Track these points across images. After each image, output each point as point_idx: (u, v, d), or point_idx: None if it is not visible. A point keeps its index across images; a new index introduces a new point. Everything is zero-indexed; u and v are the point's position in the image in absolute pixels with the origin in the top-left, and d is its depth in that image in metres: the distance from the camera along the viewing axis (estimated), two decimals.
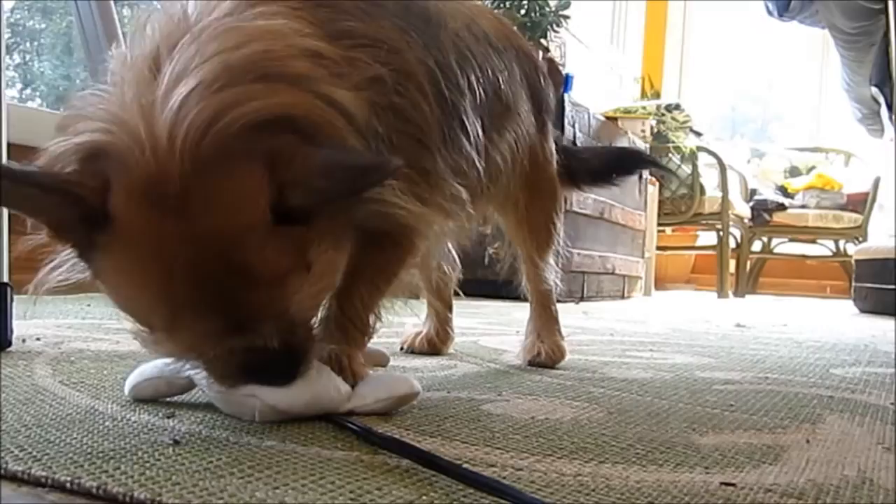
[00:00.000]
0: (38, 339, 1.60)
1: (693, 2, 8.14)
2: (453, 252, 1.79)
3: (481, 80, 1.35)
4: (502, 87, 1.46)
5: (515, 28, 1.76)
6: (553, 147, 1.74)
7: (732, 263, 6.69)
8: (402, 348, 1.81)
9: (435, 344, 1.80)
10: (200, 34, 0.94)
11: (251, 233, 0.87)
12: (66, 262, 0.99)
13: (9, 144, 1.53)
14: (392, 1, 1.20)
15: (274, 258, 0.89)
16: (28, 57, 3.88)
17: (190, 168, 0.85)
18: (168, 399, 1.11)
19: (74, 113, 0.95)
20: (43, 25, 3.94)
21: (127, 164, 0.86)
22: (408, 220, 1.14)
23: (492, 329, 2.40)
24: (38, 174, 0.89)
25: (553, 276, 1.76)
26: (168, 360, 1.11)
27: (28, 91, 3.77)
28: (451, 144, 1.25)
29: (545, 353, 1.67)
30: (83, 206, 0.87)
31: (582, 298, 4.40)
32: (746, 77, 8.86)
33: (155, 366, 1.11)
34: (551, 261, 1.75)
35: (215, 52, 0.91)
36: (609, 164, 1.96)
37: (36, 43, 3.93)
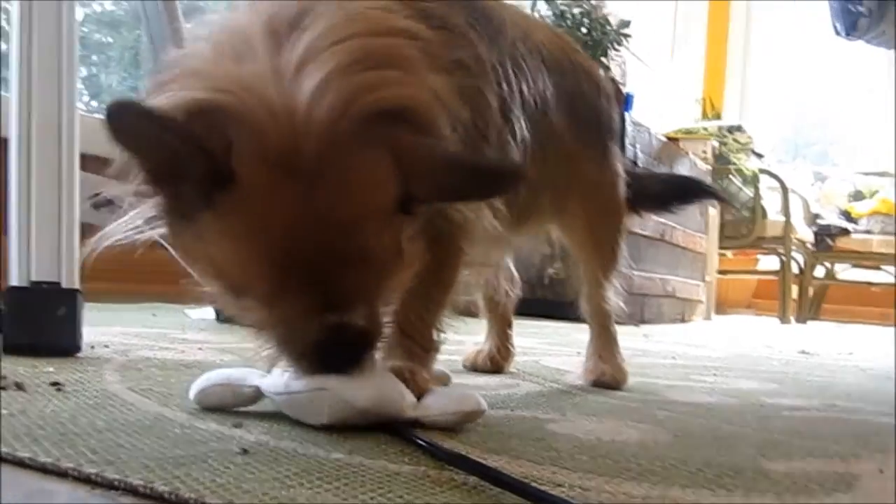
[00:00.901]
0: (106, 346, 1.63)
1: (756, 22, 8.05)
2: (513, 269, 1.78)
3: (531, 93, 1.35)
4: (550, 102, 1.44)
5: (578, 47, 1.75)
6: (619, 168, 1.72)
7: (795, 289, 6.57)
8: (464, 366, 1.80)
9: (497, 361, 1.79)
10: (327, 15, 0.95)
11: (375, 218, 0.91)
12: (131, 222, 1.02)
13: (82, 155, 1.57)
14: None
15: (386, 245, 0.92)
16: (95, 70, 3.97)
17: (325, 146, 0.88)
18: (234, 410, 1.12)
19: (173, 71, 0.96)
20: (110, 39, 4.03)
21: (257, 130, 0.87)
22: (459, 218, 1.13)
23: (553, 349, 2.39)
24: (177, 122, 0.88)
25: (615, 297, 1.74)
26: (235, 370, 1.13)
27: (94, 103, 3.85)
28: (504, 144, 1.24)
29: (609, 375, 1.65)
30: (211, 162, 0.87)
31: (641, 321, 4.35)
32: (810, 99, 8.73)
33: (221, 373, 1.12)
34: (614, 282, 1.73)
35: (350, 35, 0.93)
36: (671, 192, 1.94)
37: (103, 56, 4.02)
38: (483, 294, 1.77)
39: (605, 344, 1.72)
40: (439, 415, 1.07)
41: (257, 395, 1.10)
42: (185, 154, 0.88)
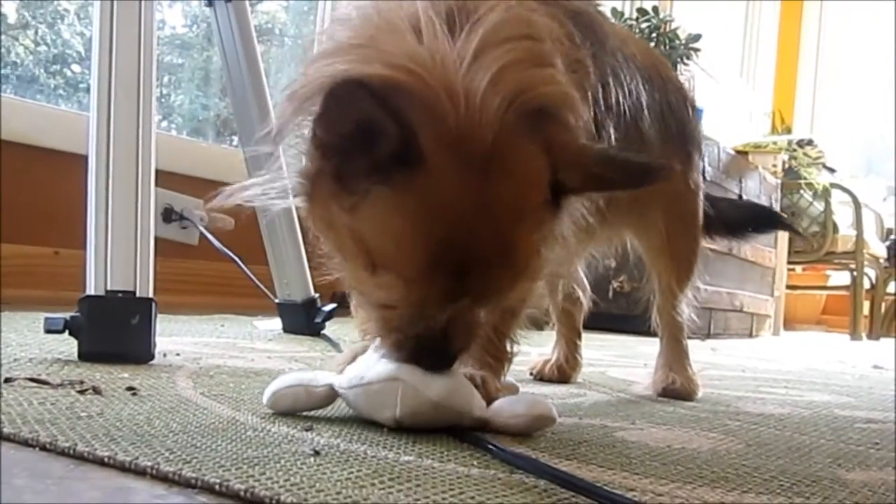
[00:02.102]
0: (177, 354, 1.66)
1: (827, 35, 7.92)
2: (584, 279, 1.77)
3: (625, 103, 1.35)
4: (644, 112, 1.45)
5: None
6: (699, 179, 1.71)
7: (866, 305, 6.42)
8: (531, 374, 1.79)
9: (564, 371, 1.78)
10: (497, 12, 0.98)
11: (535, 211, 0.94)
12: (266, 188, 1.07)
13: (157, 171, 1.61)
14: (565, 6, 1.20)
15: (534, 243, 0.95)
16: (166, 90, 4.06)
17: (498, 136, 0.91)
18: (304, 413, 1.13)
19: (334, 42, 1.01)
20: (181, 60, 4.11)
21: (438, 113, 0.90)
22: None
23: (619, 361, 2.37)
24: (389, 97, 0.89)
25: (688, 309, 1.72)
26: (305, 373, 1.14)
27: (165, 123, 3.93)
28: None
29: (680, 384, 1.63)
30: (403, 140, 0.89)
31: (708, 335, 4.29)
32: (883, 112, 8.54)
33: (293, 376, 1.14)
34: (689, 293, 1.71)
35: (519, 35, 0.97)
36: (745, 219, 1.94)
37: (173, 77, 4.10)
38: (554, 303, 1.77)
39: (676, 355, 1.70)
40: (510, 417, 1.07)
41: (330, 394, 1.11)
42: (382, 129, 0.89)
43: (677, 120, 1.62)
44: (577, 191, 0.98)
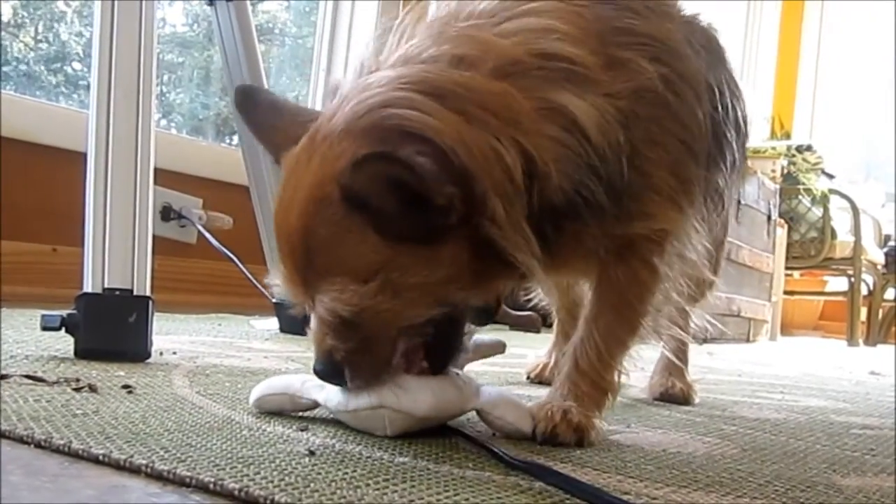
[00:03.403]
0: (174, 352, 1.65)
1: (827, 41, 7.92)
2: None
3: (738, 122, 1.32)
4: (742, 130, 1.40)
5: None
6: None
7: (864, 311, 6.42)
8: (528, 378, 1.76)
9: None
10: (439, 33, 1.04)
11: (323, 204, 0.95)
12: None
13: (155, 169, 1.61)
14: (679, 16, 1.20)
15: (330, 242, 0.96)
16: (166, 89, 4.06)
17: (334, 133, 0.97)
18: (301, 413, 1.13)
19: None
20: (181, 59, 4.11)
21: (319, 119, 1.03)
22: (660, 224, 1.12)
23: None
24: (267, 110, 1.13)
25: (697, 317, 1.66)
26: (295, 378, 1.15)
27: (164, 122, 3.93)
28: (712, 166, 1.22)
29: (679, 389, 1.62)
30: (273, 147, 1.10)
31: (705, 340, 4.29)
32: (882, 118, 8.55)
33: (282, 381, 1.15)
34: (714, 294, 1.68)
35: (430, 52, 1.01)
36: None
37: (173, 75, 4.10)
38: (562, 309, 1.73)
39: (677, 361, 1.67)
40: (497, 417, 1.07)
41: (314, 406, 1.11)
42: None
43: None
44: (353, 189, 0.94)
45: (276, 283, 1.06)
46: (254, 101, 1.16)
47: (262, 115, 1.13)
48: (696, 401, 1.64)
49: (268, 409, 1.13)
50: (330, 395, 1.07)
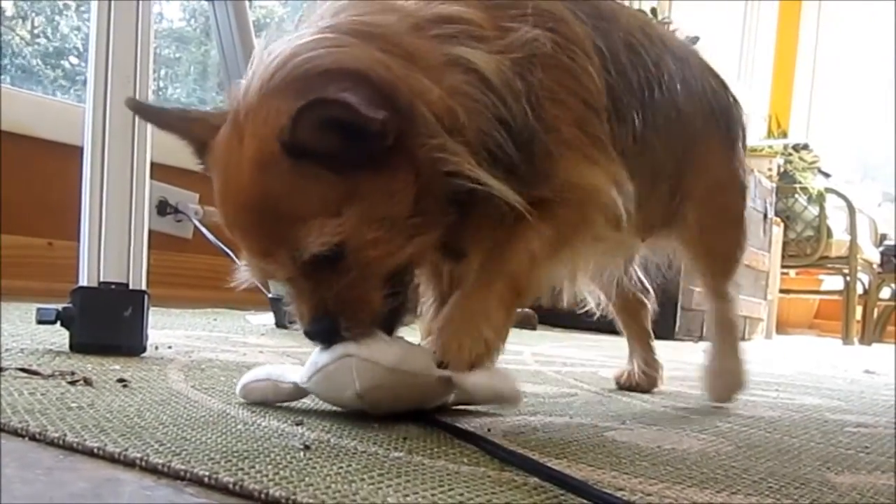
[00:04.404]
0: (169, 347, 1.65)
1: (824, 40, 7.93)
2: (644, 279, 1.73)
3: (651, 79, 1.33)
4: (677, 86, 1.41)
5: None
6: (742, 171, 1.65)
7: (859, 310, 6.43)
8: (618, 384, 1.73)
9: (651, 377, 1.72)
10: (338, 5, 1.07)
11: (270, 165, 0.97)
12: None
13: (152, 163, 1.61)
14: None
15: (290, 194, 0.98)
16: (163, 83, 4.05)
17: (253, 102, 0.99)
18: (296, 407, 1.13)
19: None
20: (179, 54, 4.11)
21: (237, 96, 1.04)
22: (576, 178, 1.13)
23: (610, 362, 2.37)
24: (173, 115, 1.14)
25: (738, 310, 1.65)
26: (275, 367, 1.16)
27: None
28: (615, 120, 1.22)
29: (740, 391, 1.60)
30: (194, 141, 1.10)
31: (701, 338, 4.30)
32: (879, 118, 8.56)
33: (263, 370, 1.16)
34: (736, 292, 1.66)
35: (330, 17, 1.05)
36: None
37: (170, 70, 4.10)
38: (616, 308, 1.73)
39: (731, 359, 1.65)
40: (472, 385, 1.06)
41: (296, 390, 1.12)
42: (181, 135, 1.13)
43: (719, 103, 1.57)
44: (292, 144, 0.96)
45: (244, 265, 1.08)
46: (152, 107, 1.23)
47: (172, 114, 1.15)
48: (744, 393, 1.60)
49: (253, 398, 1.14)
50: (304, 370, 1.09)
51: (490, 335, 1.09)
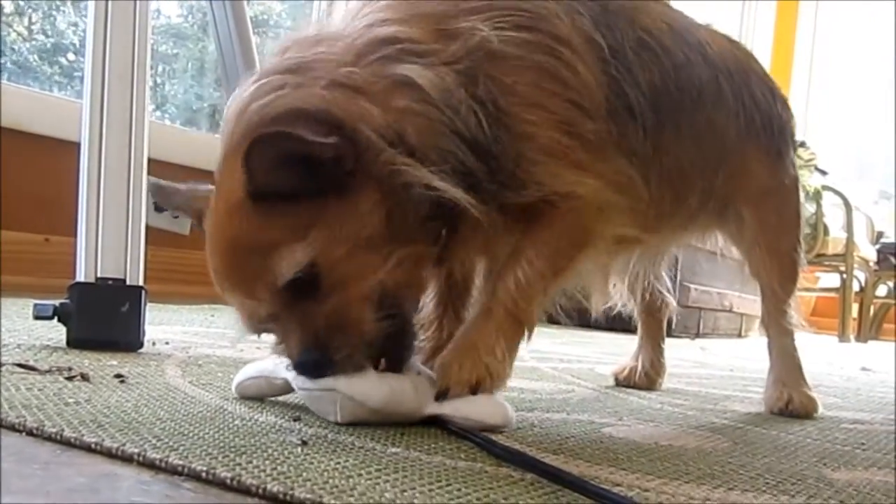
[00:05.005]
0: (166, 343, 1.65)
1: (822, 38, 7.93)
2: (667, 280, 1.73)
3: (669, 82, 1.30)
4: (707, 99, 1.39)
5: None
6: (794, 176, 1.62)
7: (855, 307, 6.43)
8: (616, 381, 1.73)
9: (652, 378, 1.71)
10: (284, 45, 1.12)
11: (237, 210, 1.01)
12: None
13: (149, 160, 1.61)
14: None
15: (257, 231, 1.00)
16: (161, 80, 4.05)
17: (223, 162, 1.04)
18: (293, 403, 1.13)
19: None
20: (176, 50, 4.10)
21: None
22: (559, 186, 1.11)
23: (607, 358, 2.37)
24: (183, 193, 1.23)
25: (797, 315, 1.60)
26: (268, 363, 1.16)
27: (158, 113, 3.92)
28: (616, 117, 1.20)
29: (798, 402, 1.52)
30: (196, 214, 1.16)
31: (697, 335, 4.31)
32: (876, 116, 8.57)
33: (255, 367, 1.17)
34: (795, 297, 1.60)
35: (278, 55, 1.10)
36: None
37: (168, 67, 4.09)
38: (638, 307, 1.72)
39: (788, 369, 1.59)
40: (463, 419, 1.04)
41: (288, 385, 1.12)
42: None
43: (763, 114, 1.53)
44: (256, 186, 0.99)
45: (237, 319, 1.09)
46: (168, 189, 1.26)
47: (181, 194, 1.23)
48: (819, 412, 1.54)
49: (249, 395, 1.15)
50: (294, 381, 1.09)
51: (492, 362, 1.09)
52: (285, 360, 1.07)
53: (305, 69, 1.04)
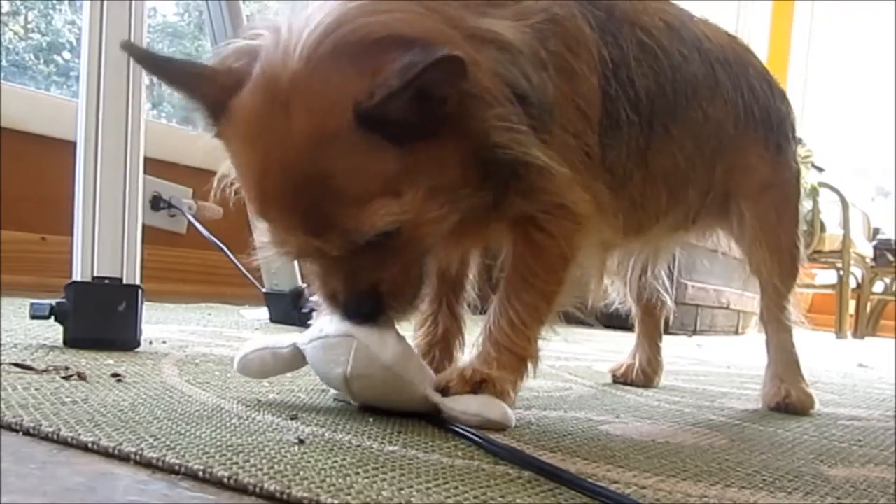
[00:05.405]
0: (163, 342, 1.65)
1: (818, 35, 7.94)
2: (664, 278, 1.73)
3: (665, 84, 1.31)
4: (704, 96, 1.39)
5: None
6: (794, 171, 1.62)
7: (852, 304, 6.44)
8: (613, 378, 1.73)
9: (648, 375, 1.71)
10: None
11: (334, 139, 0.92)
12: None
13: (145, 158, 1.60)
14: None
15: (353, 171, 0.94)
16: (155, 79, 4.04)
17: (301, 68, 0.93)
18: (291, 401, 1.13)
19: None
20: (172, 48, 4.09)
21: (262, 61, 0.97)
22: (559, 199, 1.11)
23: (604, 356, 2.37)
24: (180, 67, 1.05)
25: (796, 312, 1.61)
26: (270, 336, 1.17)
27: (154, 112, 3.91)
28: (608, 134, 1.20)
29: (795, 397, 1.52)
30: (206, 99, 1.01)
31: (694, 332, 4.31)
32: (872, 113, 8.57)
33: (258, 341, 1.16)
34: (794, 293, 1.61)
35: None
36: None
37: None
38: (636, 304, 1.72)
39: (786, 365, 1.59)
40: (462, 412, 1.05)
41: (296, 354, 1.11)
42: (190, 91, 1.02)
43: (762, 107, 1.53)
44: (377, 113, 0.92)
45: (271, 241, 1.03)
46: (154, 55, 1.10)
47: (177, 66, 1.06)
48: (816, 408, 1.54)
49: (252, 370, 1.15)
50: (307, 333, 1.10)
51: (496, 377, 1.10)
52: (325, 298, 1.05)
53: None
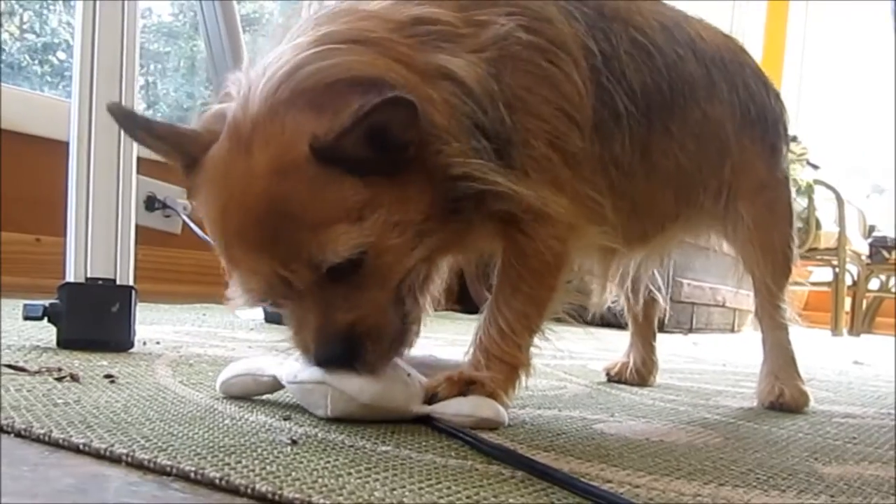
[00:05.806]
0: (157, 342, 1.65)
1: (813, 32, 7.95)
2: (658, 277, 1.72)
3: (661, 82, 1.30)
4: (701, 95, 1.39)
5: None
6: (786, 169, 1.62)
7: (848, 301, 6.45)
8: (608, 376, 1.73)
9: (642, 374, 1.71)
10: (321, 16, 1.07)
11: (292, 170, 0.95)
12: None
13: (139, 158, 1.60)
14: None
15: (312, 199, 0.96)
16: (152, 79, 4.04)
17: (261, 112, 0.97)
18: (283, 402, 1.13)
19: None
20: (168, 49, 4.09)
21: (229, 115, 1.00)
22: (540, 205, 1.10)
23: (600, 354, 2.37)
24: (162, 128, 1.08)
25: (790, 310, 1.61)
26: (255, 360, 1.16)
27: (149, 112, 3.91)
28: (602, 132, 1.20)
29: (789, 395, 1.51)
30: (184, 156, 1.05)
31: (690, 330, 4.31)
32: (867, 109, 8.58)
33: (242, 364, 1.16)
34: (788, 291, 1.61)
35: (321, 26, 1.04)
36: None
37: (159, 65, 4.08)
38: (629, 304, 1.71)
39: (782, 363, 1.58)
40: (454, 415, 1.05)
41: (275, 382, 1.11)
42: (168, 152, 1.08)
43: (758, 106, 1.53)
44: (331, 148, 0.95)
45: (238, 286, 1.04)
46: (139, 117, 1.13)
47: (160, 129, 1.09)
48: (811, 406, 1.54)
49: (234, 393, 1.14)
50: (287, 368, 1.08)
51: (485, 378, 1.10)
52: (299, 349, 1.05)
53: (361, 39, 1.02)
